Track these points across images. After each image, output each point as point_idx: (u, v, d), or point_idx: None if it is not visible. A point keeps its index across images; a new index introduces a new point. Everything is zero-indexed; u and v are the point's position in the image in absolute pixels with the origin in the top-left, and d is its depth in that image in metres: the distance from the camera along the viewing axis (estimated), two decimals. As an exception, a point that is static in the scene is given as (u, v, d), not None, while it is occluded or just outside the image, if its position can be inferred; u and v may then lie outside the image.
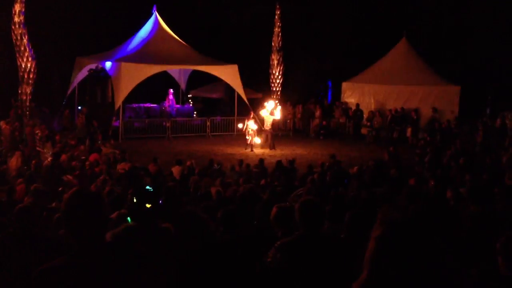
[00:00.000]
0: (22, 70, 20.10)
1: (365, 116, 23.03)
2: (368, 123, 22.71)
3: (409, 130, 21.90)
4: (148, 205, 4.23)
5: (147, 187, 4.51)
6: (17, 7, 19.78)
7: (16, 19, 19.78)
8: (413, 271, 2.02)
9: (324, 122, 23.21)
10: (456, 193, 6.91)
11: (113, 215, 5.56)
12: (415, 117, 21.75)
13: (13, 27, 19.84)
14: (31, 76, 20.16)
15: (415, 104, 22.64)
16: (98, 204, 2.56)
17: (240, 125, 21.32)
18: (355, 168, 13.56)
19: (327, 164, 13.92)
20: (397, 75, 23.23)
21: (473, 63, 27.04)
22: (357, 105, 23.29)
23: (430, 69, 23.78)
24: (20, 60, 20.04)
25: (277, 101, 22.34)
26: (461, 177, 10.74)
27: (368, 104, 23.61)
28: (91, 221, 2.50)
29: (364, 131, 22.99)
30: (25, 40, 19.88)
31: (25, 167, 14.42)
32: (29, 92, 20.30)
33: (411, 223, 2.16)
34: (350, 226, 4.71)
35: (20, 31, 19.86)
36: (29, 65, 20.05)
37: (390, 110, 22.44)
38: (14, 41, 19.95)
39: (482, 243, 4.33)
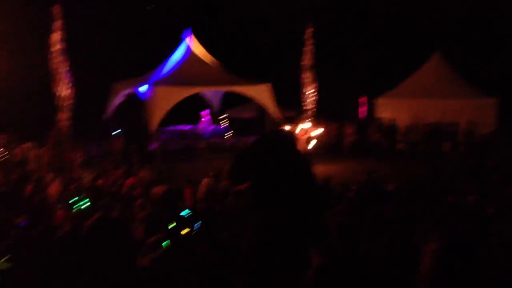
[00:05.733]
0: (59, 97, 20.62)
1: (400, 131, 22.73)
2: (404, 138, 22.39)
3: (446, 145, 21.48)
4: (185, 230, 4.22)
5: (185, 212, 4.50)
6: (56, 36, 20.37)
7: (56, 47, 20.37)
8: (474, 284, 1.86)
9: (357, 138, 23.01)
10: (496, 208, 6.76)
11: (151, 239, 5.58)
12: (452, 131, 21.34)
13: (52, 55, 20.43)
14: (68, 102, 20.65)
15: (451, 118, 22.23)
16: (120, 230, 2.58)
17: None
18: (392, 185, 13.36)
19: (363, 181, 13.75)
20: (432, 89, 22.93)
21: (510, 73, 26.52)
22: (392, 120, 23.01)
23: (465, 82, 23.40)
24: (57, 87, 20.58)
25: (310, 121, 21.88)
26: (501, 192, 10.47)
27: (403, 119, 23.31)
28: (113, 247, 2.53)
29: (399, 146, 22.67)
30: (64, 68, 20.44)
31: (65, 193, 14.68)
32: (66, 118, 20.77)
33: (471, 235, 1.99)
34: (389, 245, 4.63)
35: (59, 59, 20.43)
36: (66, 92, 20.55)
37: (426, 125, 22.10)
38: (52, 69, 20.52)
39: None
